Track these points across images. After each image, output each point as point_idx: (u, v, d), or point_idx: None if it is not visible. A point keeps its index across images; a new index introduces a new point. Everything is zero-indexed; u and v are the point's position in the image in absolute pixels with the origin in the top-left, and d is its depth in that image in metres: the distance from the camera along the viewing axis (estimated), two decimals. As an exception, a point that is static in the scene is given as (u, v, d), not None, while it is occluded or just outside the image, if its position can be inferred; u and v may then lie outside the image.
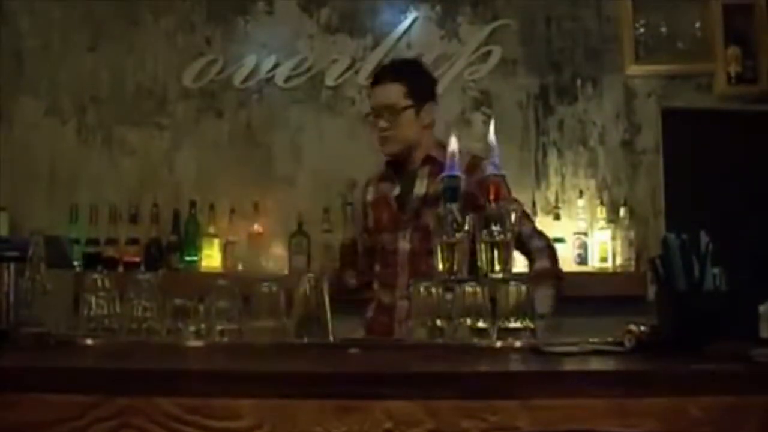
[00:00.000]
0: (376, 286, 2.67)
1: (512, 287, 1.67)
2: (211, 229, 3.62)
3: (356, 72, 3.75)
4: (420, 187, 2.56)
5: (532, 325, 1.65)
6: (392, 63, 2.92)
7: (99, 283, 1.79)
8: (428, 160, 2.57)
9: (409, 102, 2.55)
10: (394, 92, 2.55)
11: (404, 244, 2.54)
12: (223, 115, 3.78)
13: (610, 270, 3.55)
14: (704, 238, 1.60)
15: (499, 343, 1.63)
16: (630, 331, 1.58)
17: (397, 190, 2.62)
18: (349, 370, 1.36)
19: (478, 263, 1.72)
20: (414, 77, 2.62)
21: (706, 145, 3.60)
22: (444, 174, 1.76)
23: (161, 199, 3.65)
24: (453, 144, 1.78)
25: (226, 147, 3.76)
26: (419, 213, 2.53)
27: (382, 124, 2.56)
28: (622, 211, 3.60)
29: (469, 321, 1.65)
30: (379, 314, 2.60)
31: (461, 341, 1.64)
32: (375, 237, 2.66)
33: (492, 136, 1.76)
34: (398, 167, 2.64)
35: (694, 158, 3.65)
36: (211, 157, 3.75)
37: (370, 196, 2.70)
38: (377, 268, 2.66)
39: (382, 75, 2.64)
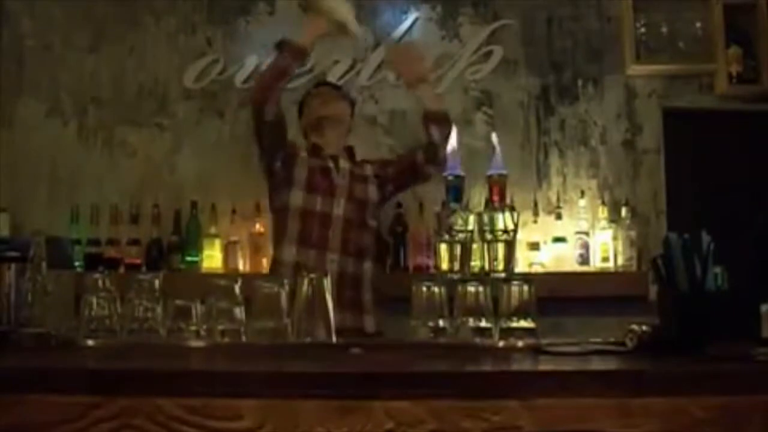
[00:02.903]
0: (290, 245, 2.76)
1: (514, 287, 1.67)
2: (212, 230, 3.62)
3: (357, 73, 3.75)
4: (344, 163, 2.92)
5: (534, 325, 1.65)
6: (333, 84, 3.31)
7: (100, 283, 1.78)
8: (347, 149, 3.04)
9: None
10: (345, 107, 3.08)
11: (338, 211, 2.79)
12: (224, 115, 3.78)
13: (612, 270, 3.55)
14: (706, 237, 1.59)
15: (501, 343, 1.63)
16: (632, 331, 1.58)
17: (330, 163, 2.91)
18: (351, 370, 1.35)
19: (481, 263, 1.72)
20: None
21: (707, 145, 3.62)
22: (446, 173, 1.76)
23: (162, 200, 3.65)
24: (453, 141, 1.78)
25: (227, 147, 3.75)
26: (351, 186, 2.85)
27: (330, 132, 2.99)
28: (623, 211, 3.60)
29: (471, 321, 1.64)
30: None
31: (463, 341, 1.64)
32: (302, 197, 2.81)
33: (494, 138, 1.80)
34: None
35: (695, 158, 3.67)
36: (212, 158, 3.74)
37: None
38: (296, 227, 2.77)
39: (332, 93, 3.11)
